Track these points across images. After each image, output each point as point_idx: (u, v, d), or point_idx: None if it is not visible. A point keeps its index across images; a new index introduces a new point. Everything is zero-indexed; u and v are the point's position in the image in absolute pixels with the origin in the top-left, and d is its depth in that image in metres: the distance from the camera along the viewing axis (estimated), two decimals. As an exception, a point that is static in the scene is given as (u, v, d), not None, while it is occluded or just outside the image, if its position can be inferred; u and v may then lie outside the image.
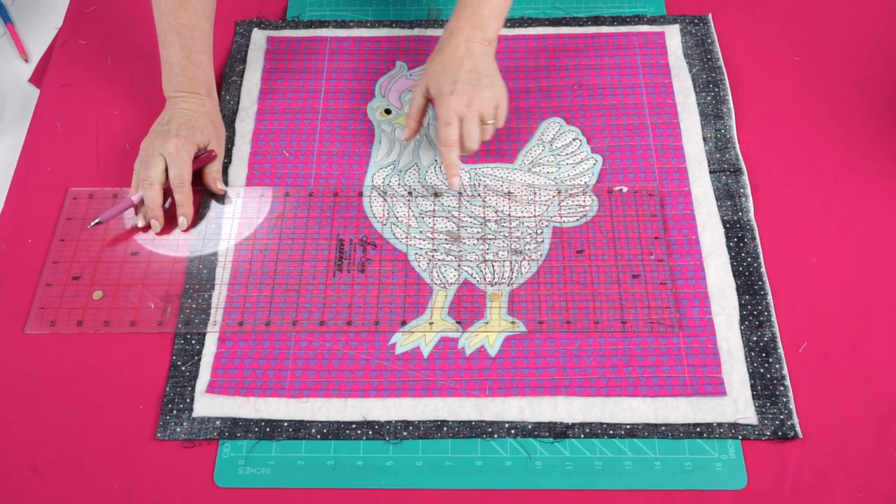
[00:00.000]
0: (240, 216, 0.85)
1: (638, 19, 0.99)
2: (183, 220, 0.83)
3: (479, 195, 0.86)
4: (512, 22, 0.99)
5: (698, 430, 0.72)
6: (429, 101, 0.85)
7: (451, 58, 0.83)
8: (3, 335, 0.78)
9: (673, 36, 0.97)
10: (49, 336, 0.78)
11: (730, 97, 0.91)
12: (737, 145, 0.88)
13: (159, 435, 0.73)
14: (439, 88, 0.82)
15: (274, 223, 0.84)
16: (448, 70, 0.82)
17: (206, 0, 0.86)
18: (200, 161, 0.85)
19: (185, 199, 0.82)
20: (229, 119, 0.92)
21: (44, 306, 0.80)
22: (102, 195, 0.86)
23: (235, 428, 0.73)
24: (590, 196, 0.85)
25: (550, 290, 0.80)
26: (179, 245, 0.83)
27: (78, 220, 0.85)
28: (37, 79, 0.99)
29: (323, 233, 0.84)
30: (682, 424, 0.73)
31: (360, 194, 0.86)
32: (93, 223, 0.82)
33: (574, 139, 0.89)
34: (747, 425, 0.72)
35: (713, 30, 0.97)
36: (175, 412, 0.74)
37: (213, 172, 0.86)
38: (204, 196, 0.86)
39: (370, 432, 0.73)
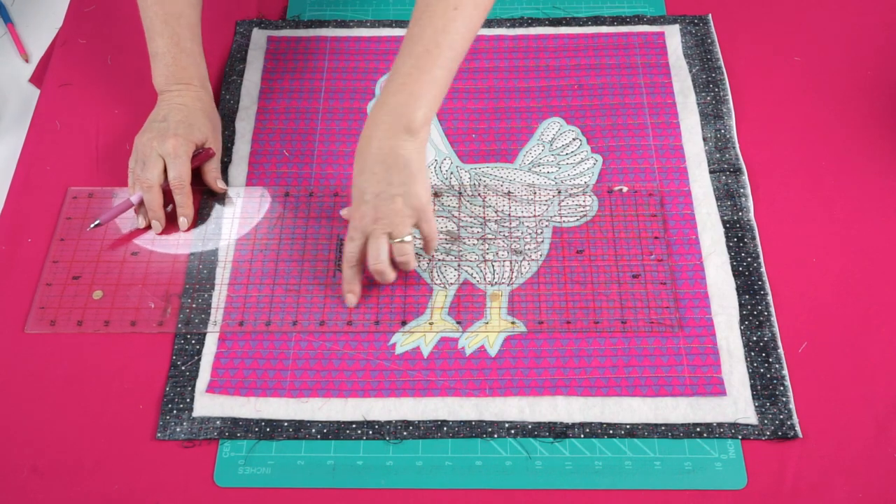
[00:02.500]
0: (240, 216, 0.85)
1: (638, 19, 0.99)
2: (184, 221, 0.83)
3: (479, 195, 0.86)
4: (512, 22, 0.99)
5: (698, 429, 0.72)
6: None
7: (364, 160, 0.73)
8: (3, 335, 0.78)
9: (673, 36, 0.97)
10: (49, 336, 0.78)
11: (730, 97, 0.91)
12: (737, 145, 0.88)
13: (159, 435, 0.73)
14: (353, 198, 0.75)
15: (274, 223, 0.84)
16: (359, 178, 0.74)
17: None
18: (199, 159, 0.84)
19: (185, 199, 0.82)
20: (229, 119, 0.92)
21: (44, 306, 0.80)
22: (102, 194, 0.87)
23: (235, 428, 0.73)
24: (590, 196, 0.85)
25: (550, 290, 0.80)
26: (179, 245, 0.83)
27: (78, 219, 0.85)
28: (37, 79, 0.99)
29: (323, 233, 0.84)
30: (682, 424, 0.73)
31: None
32: (92, 225, 0.82)
33: (574, 139, 0.89)
34: (747, 425, 0.72)
35: (713, 30, 0.97)
36: (175, 412, 0.74)
37: (212, 171, 0.85)
38: (204, 196, 0.86)
39: (370, 432, 0.73)
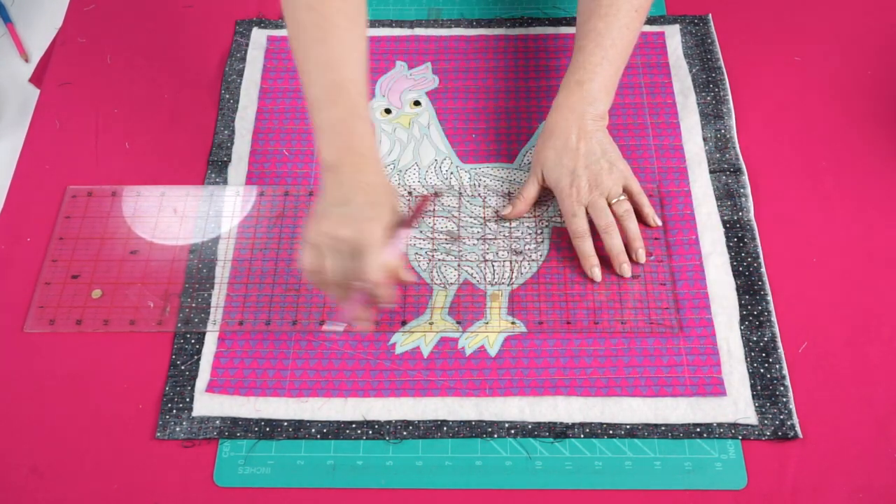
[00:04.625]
0: (239, 215, 0.85)
1: (638, 19, 0.99)
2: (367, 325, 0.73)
3: (479, 195, 0.86)
4: (512, 22, 0.99)
5: (698, 430, 0.72)
6: (543, 187, 0.82)
7: (564, 142, 0.80)
8: (2, 334, 0.78)
9: (673, 36, 0.97)
10: (48, 335, 0.78)
11: (730, 97, 0.91)
12: (737, 145, 0.88)
13: (159, 434, 0.73)
14: (557, 181, 0.80)
15: (274, 222, 0.84)
16: (563, 158, 0.80)
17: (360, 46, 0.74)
18: (419, 211, 0.75)
19: (391, 292, 0.71)
20: (229, 119, 0.92)
21: (43, 305, 0.80)
22: (101, 193, 0.86)
23: (235, 427, 0.73)
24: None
25: (550, 290, 0.80)
26: (179, 243, 0.83)
27: (77, 218, 0.85)
28: (37, 79, 0.99)
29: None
30: (682, 424, 0.73)
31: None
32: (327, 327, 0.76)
33: (574, 139, 0.89)
34: (747, 425, 0.72)
35: (713, 30, 0.97)
36: (175, 412, 0.74)
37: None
38: (203, 195, 0.86)
39: (370, 432, 0.73)
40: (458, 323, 0.78)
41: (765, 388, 0.74)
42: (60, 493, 0.71)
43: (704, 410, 0.73)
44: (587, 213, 0.80)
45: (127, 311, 0.79)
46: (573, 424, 0.73)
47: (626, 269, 0.79)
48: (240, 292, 0.80)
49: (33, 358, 0.77)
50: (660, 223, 0.82)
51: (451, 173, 0.87)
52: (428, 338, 0.77)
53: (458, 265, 0.81)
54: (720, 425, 0.72)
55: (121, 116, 0.92)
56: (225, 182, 0.87)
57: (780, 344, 0.76)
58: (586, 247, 0.79)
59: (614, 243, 0.79)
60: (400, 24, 1.00)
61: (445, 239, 0.83)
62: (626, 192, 0.81)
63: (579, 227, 0.79)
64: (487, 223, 0.84)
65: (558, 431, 0.73)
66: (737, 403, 0.73)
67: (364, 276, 0.67)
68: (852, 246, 0.82)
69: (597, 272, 0.79)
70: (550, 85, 0.94)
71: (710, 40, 0.96)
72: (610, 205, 0.80)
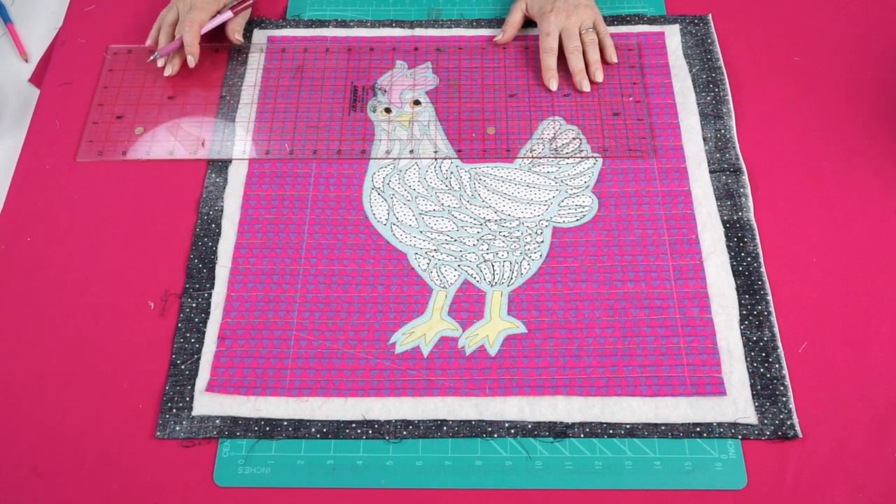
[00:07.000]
0: (263, 68, 0.96)
1: (638, 19, 0.99)
2: (191, 59, 0.92)
3: (478, 195, 0.86)
4: (512, 22, 0.99)
5: (698, 429, 0.72)
6: (525, 16, 0.96)
7: None
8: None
9: (673, 36, 0.97)
10: (48, 334, 0.78)
11: (730, 97, 0.91)
12: (737, 145, 0.88)
13: (159, 434, 0.73)
14: (541, 8, 0.94)
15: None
16: None
17: None
18: (240, 8, 0.96)
19: (193, 39, 0.92)
20: (229, 118, 0.92)
21: (92, 139, 0.90)
22: (140, 51, 0.97)
23: (235, 427, 0.73)
24: (589, 196, 0.85)
25: (550, 290, 0.80)
26: (209, 96, 0.93)
27: (119, 71, 0.95)
28: (37, 79, 0.99)
29: (321, 234, 0.84)
30: (682, 424, 0.73)
31: (361, 194, 0.86)
32: (150, 58, 0.94)
33: (574, 138, 0.89)
34: (747, 425, 0.72)
35: (713, 30, 0.97)
36: (174, 411, 0.74)
37: (234, 25, 0.96)
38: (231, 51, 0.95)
39: (370, 431, 0.73)
40: (458, 323, 0.78)
41: (765, 388, 0.74)
42: (60, 493, 0.71)
43: (704, 410, 0.73)
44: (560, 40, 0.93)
45: (167, 144, 0.89)
46: (573, 424, 0.73)
47: (585, 84, 0.92)
48: (240, 292, 0.80)
49: (34, 357, 0.77)
50: (616, 60, 0.94)
51: (451, 173, 0.87)
52: (428, 338, 0.77)
53: (458, 265, 0.81)
54: (720, 425, 0.72)
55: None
56: (225, 181, 0.87)
57: (779, 344, 0.76)
58: (551, 61, 0.93)
59: (576, 63, 0.92)
60: (400, 24, 1.00)
61: (447, 84, 0.92)
62: (596, 31, 0.94)
63: (550, 44, 0.93)
64: (487, 223, 0.84)
65: (558, 431, 0.73)
66: (737, 403, 0.73)
67: (183, 25, 0.91)
68: (852, 246, 0.82)
69: (553, 83, 0.92)
70: (550, 85, 0.94)
71: (710, 40, 0.96)
72: (580, 35, 0.93)
